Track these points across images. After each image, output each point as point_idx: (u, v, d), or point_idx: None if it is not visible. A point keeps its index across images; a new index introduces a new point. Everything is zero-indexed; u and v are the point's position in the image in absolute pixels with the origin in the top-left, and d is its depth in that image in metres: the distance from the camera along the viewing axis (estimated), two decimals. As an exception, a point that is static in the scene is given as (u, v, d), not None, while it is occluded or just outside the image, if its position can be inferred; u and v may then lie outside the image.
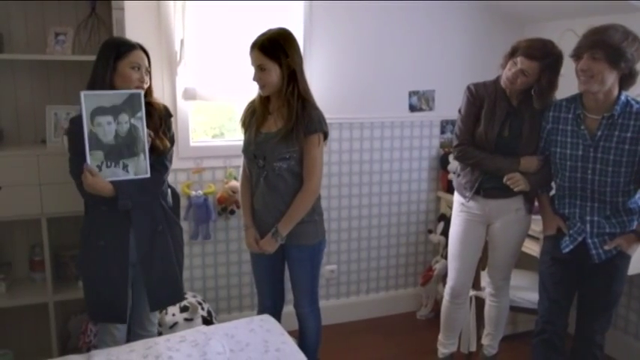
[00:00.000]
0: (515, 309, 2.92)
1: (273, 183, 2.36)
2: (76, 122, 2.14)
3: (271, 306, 2.59)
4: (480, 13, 3.47)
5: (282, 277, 2.61)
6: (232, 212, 3.19)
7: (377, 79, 3.43)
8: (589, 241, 2.30)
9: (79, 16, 2.76)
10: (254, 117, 2.42)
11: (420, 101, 3.57)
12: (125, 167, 2.14)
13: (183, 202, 3.11)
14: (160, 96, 2.96)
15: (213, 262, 3.27)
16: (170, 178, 3.06)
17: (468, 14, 3.53)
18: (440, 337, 2.95)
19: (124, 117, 2.11)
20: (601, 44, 2.10)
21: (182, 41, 2.93)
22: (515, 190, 2.49)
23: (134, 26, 2.75)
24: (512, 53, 2.45)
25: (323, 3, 3.20)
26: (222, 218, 3.21)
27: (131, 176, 2.15)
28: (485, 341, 2.93)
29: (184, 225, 3.15)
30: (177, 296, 2.41)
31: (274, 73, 2.26)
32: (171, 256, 2.32)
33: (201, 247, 3.24)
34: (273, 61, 2.25)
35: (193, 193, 3.08)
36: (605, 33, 2.11)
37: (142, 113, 2.14)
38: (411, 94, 3.54)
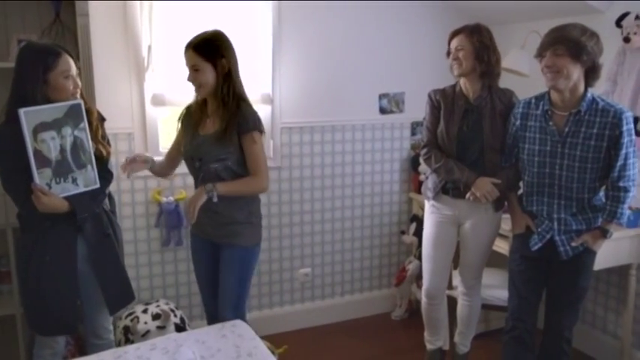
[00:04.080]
0: (486, 307, 2.96)
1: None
2: (1, 137, 2.06)
3: (214, 311, 2.49)
4: (449, 15, 3.51)
5: None
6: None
7: (347, 81, 3.45)
8: (557, 238, 2.35)
9: (43, 22, 2.72)
10: (191, 119, 2.40)
11: (390, 103, 3.60)
12: (74, 181, 2.12)
13: (154, 209, 3.09)
14: (128, 102, 2.96)
15: (186, 269, 3.24)
16: (140, 185, 3.05)
17: (437, 17, 3.57)
18: (425, 334, 2.99)
19: (67, 130, 2.08)
20: (561, 39, 2.18)
21: (149, 47, 2.90)
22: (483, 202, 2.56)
23: (100, 32, 2.73)
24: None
25: (291, 4, 3.20)
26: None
27: (82, 189, 2.14)
28: (457, 339, 2.96)
29: (156, 232, 3.13)
30: (130, 296, 2.42)
31: (209, 73, 2.24)
32: (118, 257, 2.34)
33: (174, 254, 3.21)
34: (208, 61, 2.23)
35: (164, 199, 3.06)
36: (564, 30, 2.21)
37: (85, 123, 2.12)
38: (381, 96, 3.57)
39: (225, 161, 2.29)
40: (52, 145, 2.04)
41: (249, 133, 2.27)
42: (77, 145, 2.11)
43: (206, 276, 2.52)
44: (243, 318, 2.40)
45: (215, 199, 2.24)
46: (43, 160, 2.03)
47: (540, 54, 2.26)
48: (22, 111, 1.96)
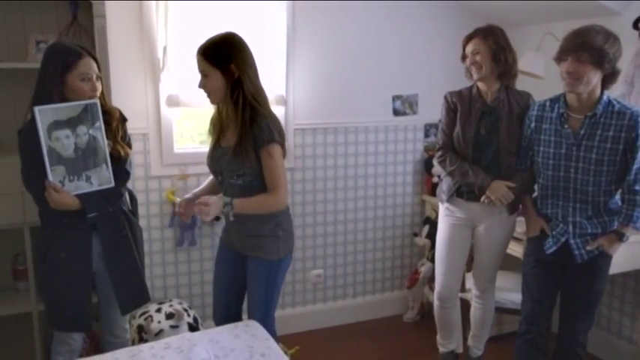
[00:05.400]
0: (499, 310, 2.94)
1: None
2: (24, 135, 2.11)
3: (222, 323, 2.39)
4: (463, 16, 3.50)
5: (240, 297, 2.47)
6: (217, 218, 3.17)
7: (360, 83, 3.45)
8: (572, 241, 2.33)
9: (60, 23, 2.75)
10: (215, 128, 2.33)
11: (403, 105, 3.59)
12: (88, 179, 2.13)
13: (168, 209, 3.11)
14: (143, 103, 2.98)
15: (199, 269, 3.26)
16: (154, 185, 3.08)
17: (451, 18, 3.57)
18: (437, 337, 2.98)
19: (82, 129, 2.09)
20: (585, 46, 2.14)
21: (165, 48, 2.92)
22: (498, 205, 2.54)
23: (116, 33, 2.75)
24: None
25: (306, 5, 3.21)
26: (207, 224, 3.20)
27: (96, 188, 2.15)
28: (470, 342, 2.95)
29: (170, 232, 3.15)
30: (145, 297, 2.42)
31: (215, 79, 2.14)
32: (135, 258, 2.34)
33: (187, 254, 3.23)
34: (214, 66, 2.13)
35: (178, 199, 3.06)
36: (588, 35, 2.15)
37: (100, 123, 2.13)
38: (395, 98, 3.57)
39: (245, 177, 2.18)
40: (66, 143, 2.06)
41: (264, 147, 2.14)
42: (92, 144, 2.12)
43: (225, 286, 2.44)
44: (271, 325, 2.36)
45: (231, 218, 2.16)
46: (57, 158, 2.05)
47: (561, 58, 2.22)
48: (36, 109, 1.99)
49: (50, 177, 2.04)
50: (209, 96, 2.22)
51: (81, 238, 2.20)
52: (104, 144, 2.15)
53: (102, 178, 2.17)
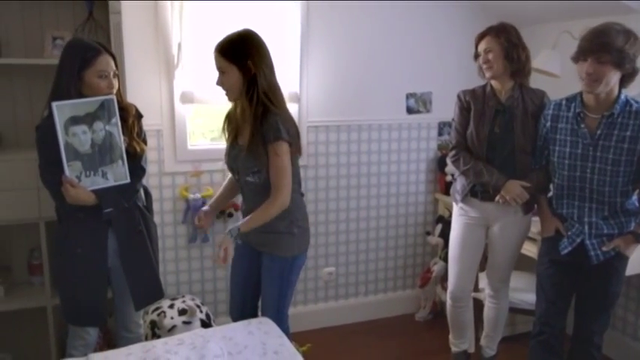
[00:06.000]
0: (512, 310, 2.92)
1: (247, 196, 2.34)
2: (42, 130, 2.12)
3: (238, 319, 2.40)
4: (477, 14, 3.48)
5: (256, 293, 2.47)
6: (230, 215, 3.19)
7: (374, 80, 3.43)
8: (587, 242, 2.31)
9: (76, 19, 2.77)
10: (231, 126, 2.34)
11: (417, 103, 3.58)
12: (104, 175, 2.14)
13: (182, 206, 3.12)
14: (158, 99, 2.99)
15: (211, 265, 3.27)
16: (168, 181, 3.09)
17: (465, 16, 3.54)
18: (450, 336, 2.97)
19: (98, 125, 2.10)
20: (606, 47, 2.10)
21: (179, 45, 2.93)
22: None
23: (131, 30, 2.76)
24: None
25: (320, 3, 3.20)
26: (220, 221, 3.21)
27: (111, 183, 2.16)
28: (483, 342, 2.93)
29: (183, 228, 3.17)
30: (159, 293, 2.43)
31: (233, 76, 2.15)
32: (150, 254, 2.35)
33: (200, 250, 3.24)
34: (232, 63, 2.14)
35: (191, 196, 3.09)
36: (609, 36, 2.11)
37: (117, 119, 2.13)
38: (409, 96, 3.55)
39: (260, 174, 2.20)
40: (83, 138, 2.07)
41: (271, 144, 2.15)
42: (108, 139, 2.13)
43: (241, 283, 2.46)
44: (284, 322, 2.38)
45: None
46: (73, 153, 2.06)
47: (580, 58, 2.18)
48: (54, 104, 2.01)
49: (67, 172, 2.06)
50: (227, 93, 2.24)
51: (96, 233, 2.21)
52: (120, 140, 2.16)
53: (118, 173, 2.18)
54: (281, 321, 2.33)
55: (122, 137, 2.16)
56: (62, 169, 2.06)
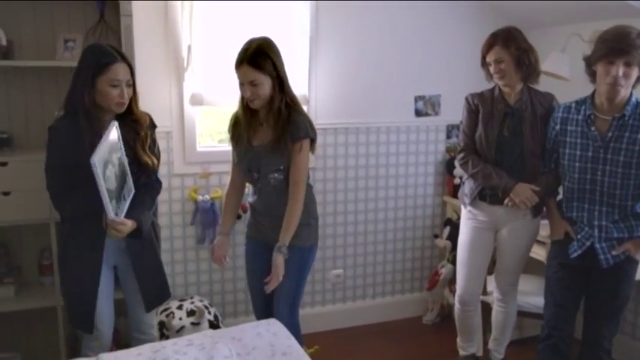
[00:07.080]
0: (521, 313, 2.91)
1: (268, 194, 2.38)
2: (53, 131, 2.09)
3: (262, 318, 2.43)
4: (486, 17, 3.47)
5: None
6: (239, 216, 3.19)
7: (382, 83, 3.44)
8: (597, 246, 2.30)
9: (87, 22, 2.79)
10: (241, 129, 2.38)
11: (425, 106, 3.58)
12: (124, 197, 2.13)
13: (190, 207, 3.13)
14: (167, 101, 3.01)
15: (220, 267, 3.27)
16: (177, 183, 3.11)
17: (474, 19, 3.54)
18: (458, 340, 2.97)
19: (115, 156, 2.05)
20: (633, 49, 2.09)
21: (189, 47, 2.94)
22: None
23: (142, 32, 2.78)
24: None
25: (329, 5, 3.21)
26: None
27: (129, 201, 2.15)
28: (491, 346, 2.92)
29: (191, 230, 3.18)
30: (166, 294, 2.46)
31: (267, 85, 2.22)
32: (158, 256, 2.38)
33: (209, 252, 3.24)
34: (265, 73, 2.21)
35: (200, 197, 3.10)
36: (630, 37, 2.10)
37: (121, 141, 2.10)
38: (417, 98, 3.55)
39: (283, 170, 2.31)
40: (112, 177, 2.01)
41: (299, 141, 2.27)
42: (122, 165, 2.10)
43: (258, 283, 2.45)
44: (298, 326, 2.46)
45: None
46: (109, 193, 1.97)
47: (605, 60, 2.14)
48: (94, 161, 1.86)
49: (112, 214, 1.99)
50: (255, 101, 2.27)
51: (93, 239, 2.19)
52: (125, 159, 2.12)
53: (128, 189, 2.15)
54: (294, 314, 2.42)
55: (124, 153, 2.13)
56: (67, 175, 2.06)
